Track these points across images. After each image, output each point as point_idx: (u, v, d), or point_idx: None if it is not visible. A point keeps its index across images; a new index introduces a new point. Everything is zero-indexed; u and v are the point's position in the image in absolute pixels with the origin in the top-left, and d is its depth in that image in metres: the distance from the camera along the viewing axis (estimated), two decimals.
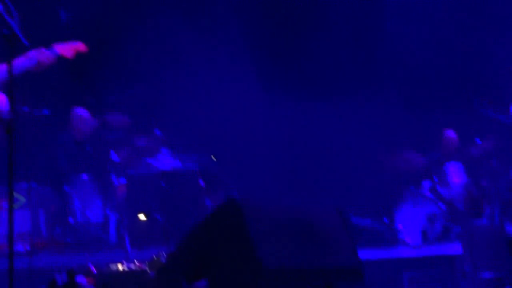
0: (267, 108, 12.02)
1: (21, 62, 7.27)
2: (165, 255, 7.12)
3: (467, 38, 12.17)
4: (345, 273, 6.36)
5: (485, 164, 10.88)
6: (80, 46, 7.74)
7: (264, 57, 12.24)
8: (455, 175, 10.87)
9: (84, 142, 10.66)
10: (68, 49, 7.66)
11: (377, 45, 12.41)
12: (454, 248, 9.49)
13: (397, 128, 11.82)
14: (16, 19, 6.12)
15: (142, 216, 9.40)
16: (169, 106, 11.69)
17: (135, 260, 7.72)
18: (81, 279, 7.00)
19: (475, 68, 12.02)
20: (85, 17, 11.74)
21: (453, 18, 12.21)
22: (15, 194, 9.53)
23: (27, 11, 6.68)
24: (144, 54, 11.95)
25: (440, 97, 11.80)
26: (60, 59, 7.64)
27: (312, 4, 12.46)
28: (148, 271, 7.17)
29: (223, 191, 10.69)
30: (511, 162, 10.67)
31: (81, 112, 10.64)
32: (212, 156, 11.09)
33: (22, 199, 9.83)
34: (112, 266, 7.28)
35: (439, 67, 12.02)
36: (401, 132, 11.77)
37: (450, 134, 11.31)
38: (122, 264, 7.32)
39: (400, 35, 12.17)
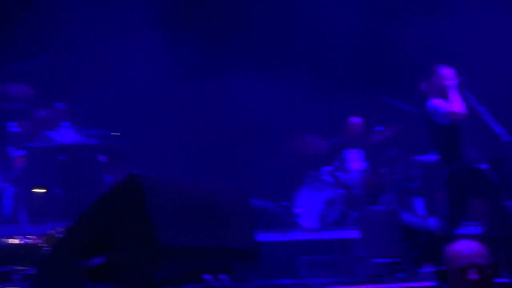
0: (172, 85, 11.93)
1: None
2: (61, 230, 7.00)
3: (377, 27, 12.32)
4: (243, 254, 6.38)
5: (385, 151, 11.08)
6: None
7: (172, 33, 12.14)
8: (355, 161, 11.02)
9: None
10: None
11: (287, 26, 12.44)
12: (351, 233, 9.63)
13: (301, 111, 11.90)
14: None
15: (39, 190, 9.21)
16: (73, 79, 11.49)
17: (31, 235, 7.60)
18: None
19: (382, 58, 12.19)
20: None
21: (367, 9, 12.34)
22: None
23: None
24: (50, 25, 11.70)
25: (346, 84, 11.92)
26: None
27: None
28: (44, 246, 7.05)
29: (124, 168, 10.57)
30: (410, 151, 10.88)
31: None
32: (113, 132, 10.96)
33: None
34: (6, 240, 7.14)
35: (348, 54, 12.14)
36: (305, 116, 11.86)
37: (354, 120, 11.45)
38: (17, 238, 7.19)
39: (312, 20, 12.25)
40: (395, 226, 7.47)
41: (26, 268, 6.69)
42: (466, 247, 4.37)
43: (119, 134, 10.93)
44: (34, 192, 9.50)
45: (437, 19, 11.74)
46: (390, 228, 7.45)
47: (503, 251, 6.51)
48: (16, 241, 7.19)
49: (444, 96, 8.28)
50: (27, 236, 7.56)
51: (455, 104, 8.08)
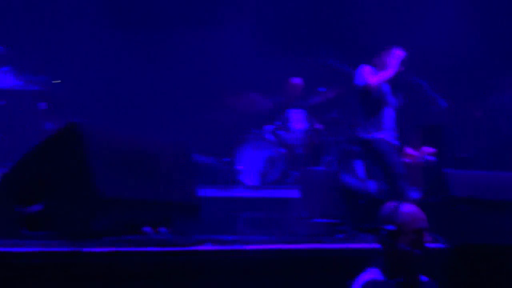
0: (115, 36, 11.77)
1: None
2: None
3: None
4: (183, 208, 6.36)
5: (326, 113, 11.11)
6: None
7: None
8: (297, 121, 11.02)
9: None
10: None
11: None
12: (291, 192, 9.67)
13: (245, 68, 11.85)
14: None
15: None
16: (14, 22, 11.24)
17: None
18: None
19: (327, 19, 12.17)
20: None
21: None
22: None
23: None
24: None
25: (292, 43, 11.89)
26: None
27: None
28: None
29: (64, 116, 10.41)
30: (352, 113, 10.91)
31: None
32: (54, 79, 10.78)
33: None
34: None
35: (293, 13, 12.09)
36: (250, 73, 11.81)
37: (296, 80, 11.43)
38: None
39: None
40: (335, 187, 7.50)
41: None
42: (417, 210, 4.45)
43: (60, 81, 10.75)
44: None
45: None
46: (330, 189, 7.48)
47: (439, 217, 6.59)
48: None
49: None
50: None
51: (377, 78, 8.11)
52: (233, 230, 9.42)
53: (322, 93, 11.37)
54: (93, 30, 11.68)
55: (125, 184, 5.70)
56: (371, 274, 4.41)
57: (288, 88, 11.44)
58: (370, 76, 8.11)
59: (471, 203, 6.91)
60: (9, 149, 9.19)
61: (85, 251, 4.92)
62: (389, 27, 10.96)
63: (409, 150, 9.53)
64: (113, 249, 5.04)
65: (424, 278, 4.49)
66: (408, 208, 4.48)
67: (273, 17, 12.10)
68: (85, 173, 5.32)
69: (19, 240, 5.30)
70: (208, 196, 9.35)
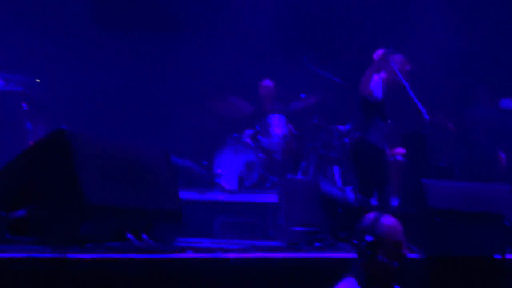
0: (98, 40, 11.79)
1: None
2: None
3: None
4: (165, 214, 6.43)
5: (307, 119, 11.19)
6: None
7: None
8: (277, 126, 11.09)
9: None
10: None
11: None
12: (269, 197, 9.75)
13: (226, 72, 11.91)
14: None
15: None
16: None
17: None
18: None
19: (309, 24, 12.24)
20: None
21: None
22: None
23: None
24: None
25: (275, 48, 11.94)
26: None
27: None
28: None
29: (46, 117, 10.42)
30: (331, 119, 11.02)
31: None
32: (36, 79, 10.79)
33: None
34: None
35: (273, 19, 12.15)
36: (230, 77, 11.88)
37: (266, 82, 11.50)
38: None
39: None
40: (314, 196, 7.59)
41: None
42: (397, 222, 4.54)
43: (39, 81, 10.77)
44: None
45: None
46: (309, 197, 7.56)
47: (416, 228, 6.70)
48: None
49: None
50: None
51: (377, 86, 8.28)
52: (210, 233, 9.49)
53: (303, 98, 11.46)
54: (76, 31, 11.70)
55: (111, 191, 5.77)
56: (347, 283, 4.49)
57: (260, 90, 11.52)
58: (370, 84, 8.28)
59: (449, 214, 7.00)
60: None
61: (70, 257, 4.98)
62: (367, 38, 11.09)
63: None
64: (98, 255, 5.11)
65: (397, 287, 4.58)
66: (388, 220, 4.54)
67: (254, 20, 12.16)
68: (73, 181, 5.38)
69: (3, 245, 5.35)
70: (186, 198, 9.39)
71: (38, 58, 11.24)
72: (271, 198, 9.60)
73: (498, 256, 6.24)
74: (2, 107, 9.82)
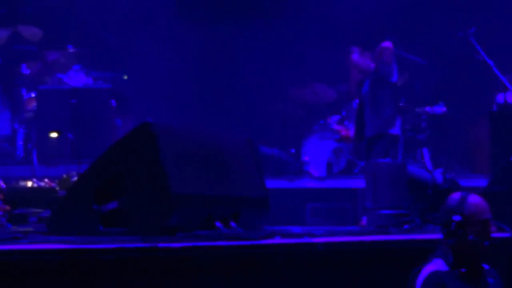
0: (181, 32, 11.92)
1: None
2: (75, 174, 7.12)
3: None
4: (252, 202, 6.51)
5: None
6: None
7: None
8: None
9: None
10: None
11: None
12: (357, 182, 9.74)
13: (310, 60, 11.90)
14: None
15: (53, 134, 9.26)
16: (85, 21, 11.47)
17: (43, 177, 7.69)
18: None
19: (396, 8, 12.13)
20: None
21: None
22: None
23: None
24: None
25: (353, 33, 11.86)
26: None
27: None
28: (58, 189, 7.17)
29: (134, 112, 10.65)
30: (418, 102, 10.92)
31: None
32: (124, 75, 11.01)
33: None
34: (21, 183, 7.24)
35: (358, 5, 12.06)
36: (314, 64, 11.86)
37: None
38: (32, 181, 7.29)
39: None
40: (401, 179, 7.54)
41: (42, 210, 6.83)
42: (483, 201, 4.51)
43: (126, 77, 10.98)
44: (47, 134, 9.54)
45: None
46: (396, 180, 7.53)
47: (506, 206, 6.60)
48: (31, 183, 7.30)
49: None
50: (39, 179, 7.66)
51: None
52: (300, 220, 9.53)
53: None
54: (157, 27, 11.85)
55: (197, 180, 5.88)
56: (435, 264, 4.47)
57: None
58: None
59: None
60: (82, 146, 9.41)
61: (161, 247, 5.09)
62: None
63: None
64: (187, 244, 5.20)
65: (486, 267, 4.54)
66: (475, 199, 4.51)
67: (339, 8, 12.09)
68: (160, 172, 5.51)
69: (96, 236, 5.52)
70: (276, 187, 9.47)
71: (124, 56, 11.44)
72: (360, 183, 9.57)
73: None
74: (92, 105, 10.07)
